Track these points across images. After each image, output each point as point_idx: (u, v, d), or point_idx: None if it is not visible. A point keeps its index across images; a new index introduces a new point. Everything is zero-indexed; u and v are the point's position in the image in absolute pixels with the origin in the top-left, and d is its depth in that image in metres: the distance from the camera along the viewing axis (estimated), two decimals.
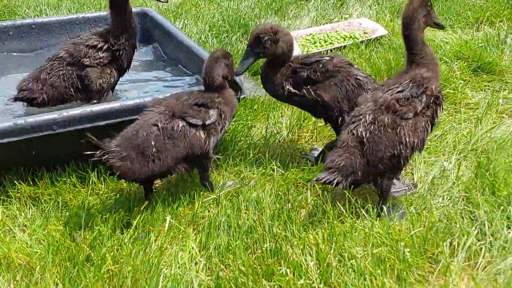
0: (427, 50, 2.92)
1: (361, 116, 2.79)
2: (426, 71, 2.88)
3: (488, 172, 3.07)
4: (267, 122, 3.80)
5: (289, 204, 2.86)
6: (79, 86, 3.61)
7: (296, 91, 3.19)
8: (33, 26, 4.62)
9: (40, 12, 6.14)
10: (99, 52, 3.60)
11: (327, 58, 3.18)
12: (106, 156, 2.68)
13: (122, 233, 2.80)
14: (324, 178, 2.64)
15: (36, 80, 3.57)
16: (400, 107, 2.77)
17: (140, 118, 2.89)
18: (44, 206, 3.01)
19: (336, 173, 2.66)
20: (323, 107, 3.18)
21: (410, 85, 2.82)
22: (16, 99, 3.57)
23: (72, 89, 3.60)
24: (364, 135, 2.72)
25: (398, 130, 2.73)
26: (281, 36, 3.16)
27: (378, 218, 2.81)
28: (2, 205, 3.04)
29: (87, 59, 3.57)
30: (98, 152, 2.67)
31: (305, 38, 5.18)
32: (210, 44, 5.01)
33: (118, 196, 3.07)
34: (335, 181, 2.64)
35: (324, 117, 3.27)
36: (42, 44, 4.64)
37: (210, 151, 2.96)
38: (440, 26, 3.03)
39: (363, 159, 2.71)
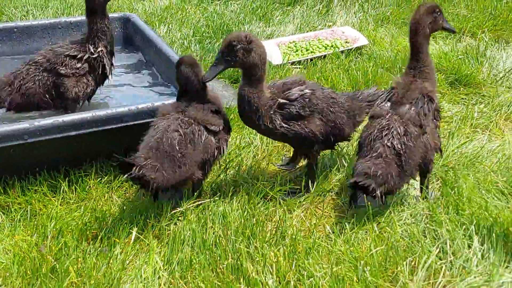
0: (429, 59, 3.14)
1: (393, 129, 2.95)
2: (429, 84, 3.13)
3: (453, 190, 3.10)
4: (242, 132, 3.82)
5: (254, 219, 2.89)
6: (54, 94, 3.62)
7: (288, 127, 3.08)
8: (15, 29, 4.64)
9: (27, 12, 6.15)
10: (77, 62, 3.61)
11: (308, 91, 3.10)
12: (142, 170, 2.69)
13: (89, 244, 2.83)
14: (362, 182, 2.78)
15: (8, 84, 3.59)
16: (422, 121, 3.02)
17: (157, 127, 2.93)
18: (14, 215, 3.04)
19: (371, 179, 2.80)
20: (309, 139, 3.14)
21: (425, 100, 3.07)
22: None
23: (46, 96, 3.62)
24: (400, 147, 2.91)
25: (424, 139, 3.00)
26: (255, 47, 3.00)
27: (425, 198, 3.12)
28: None
29: (64, 68, 3.59)
30: (134, 169, 2.67)
31: (287, 45, 5.20)
32: (193, 50, 5.04)
33: (87, 206, 3.09)
34: (371, 187, 2.78)
35: (305, 148, 3.23)
36: (24, 48, 4.66)
37: (219, 156, 3.09)
38: (450, 31, 3.26)
39: (399, 169, 2.89)
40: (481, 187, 3.19)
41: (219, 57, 3.03)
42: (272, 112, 3.05)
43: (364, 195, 2.91)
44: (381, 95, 3.22)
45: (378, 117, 3.06)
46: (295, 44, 5.20)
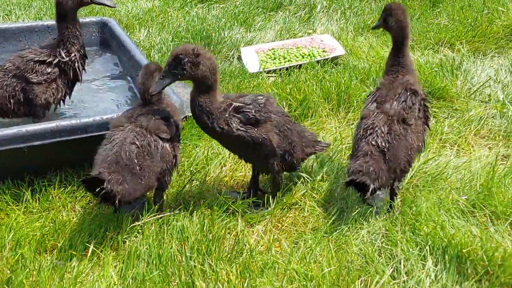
0: (408, 53, 3.37)
1: (377, 128, 3.07)
2: (410, 77, 3.31)
3: (412, 209, 3.12)
4: (210, 143, 3.83)
5: (211, 235, 2.90)
6: (22, 100, 3.62)
7: (245, 130, 3.07)
8: None
9: (10, 12, 6.15)
10: (47, 67, 3.61)
11: (261, 98, 3.13)
12: (109, 185, 2.69)
13: (48, 255, 2.85)
14: (358, 179, 2.89)
15: None
16: (406, 115, 3.14)
17: (113, 139, 2.92)
18: None
19: (366, 176, 2.91)
20: (265, 147, 3.13)
21: (408, 94, 3.20)
22: None
23: (16, 103, 3.62)
24: (384, 145, 3.02)
25: (407, 137, 3.10)
26: (203, 60, 2.95)
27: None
28: None
29: (34, 75, 3.59)
30: (105, 184, 2.67)
31: (266, 53, 5.21)
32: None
33: (48, 216, 3.10)
34: (367, 183, 2.90)
35: (262, 161, 3.21)
36: (0, 50, 4.66)
37: (177, 164, 3.12)
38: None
39: (386, 166, 3.00)
40: (442, 206, 3.21)
41: (166, 70, 2.98)
42: (227, 115, 3.05)
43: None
44: (368, 97, 3.33)
45: (365, 117, 3.19)
46: (274, 51, 5.21)
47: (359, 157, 3.00)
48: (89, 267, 2.79)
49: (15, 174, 3.31)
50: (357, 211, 3.14)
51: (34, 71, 3.58)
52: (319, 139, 3.50)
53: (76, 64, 3.66)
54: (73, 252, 2.83)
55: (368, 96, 3.36)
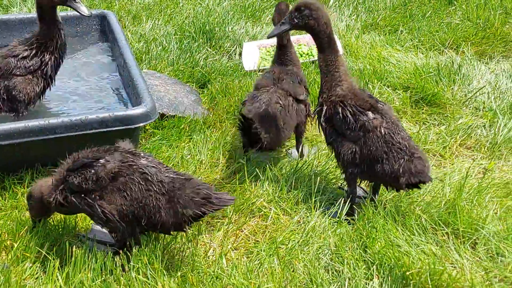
0: (292, 49, 3.97)
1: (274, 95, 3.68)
2: (296, 68, 3.92)
3: (369, 224, 3.09)
4: (189, 144, 3.86)
5: (159, 244, 2.93)
6: (5, 98, 3.72)
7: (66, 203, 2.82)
8: None
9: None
10: (26, 61, 3.69)
11: (102, 161, 2.74)
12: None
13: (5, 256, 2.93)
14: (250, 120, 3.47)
15: None
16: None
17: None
18: None
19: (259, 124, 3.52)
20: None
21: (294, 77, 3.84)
22: None
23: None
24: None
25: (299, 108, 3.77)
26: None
27: None
28: None
29: (18, 70, 3.68)
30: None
31: (267, 49, 5.18)
32: (170, 50, 5.06)
33: (11, 215, 3.18)
34: (256, 127, 3.48)
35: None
36: (2, 42, 4.76)
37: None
38: None
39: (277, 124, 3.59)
40: (405, 221, 3.17)
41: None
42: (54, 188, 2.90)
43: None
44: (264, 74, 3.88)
45: (262, 86, 3.70)
46: (275, 49, 5.17)
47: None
48: (40, 270, 2.85)
49: None
50: (313, 222, 3.12)
51: (13, 67, 3.67)
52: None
53: (50, 63, 3.72)
54: (26, 254, 2.90)
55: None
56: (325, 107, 3.23)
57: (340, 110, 3.16)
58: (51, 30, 3.70)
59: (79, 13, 3.67)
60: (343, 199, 3.28)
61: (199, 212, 2.67)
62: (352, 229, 3.13)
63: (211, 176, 3.62)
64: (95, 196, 2.72)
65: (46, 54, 3.72)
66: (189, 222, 2.70)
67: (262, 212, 3.33)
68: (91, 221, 3.09)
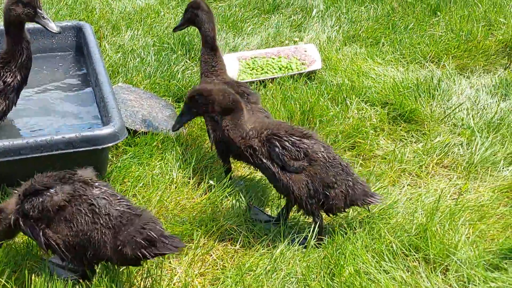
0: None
1: None
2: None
3: (338, 251, 3.03)
4: (161, 162, 3.79)
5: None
6: None
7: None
8: None
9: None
10: None
11: (51, 191, 2.68)
12: None
13: None
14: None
15: None
16: None
17: None
18: None
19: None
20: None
21: None
22: None
23: None
24: None
25: None
26: None
27: None
28: None
29: None
30: None
31: (246, 61, 5.12)
32: (147, 62, 4.99)
33: None
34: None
35: None
36: None
37: None
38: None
39: None
40: (375, 246, 3.12)
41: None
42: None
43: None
44: None
45: None
46: (254, 61, 5.12)
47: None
48: None
49: None
50: (280, 248, 3.07)
51: None
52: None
53: (13, 83, 3.64)
54: None
55: None
56: (256, 146, 3.12)
57: (277, 143, 3.07)
58: (16, 47, 3.62)
59: (48, 30, 3.59)
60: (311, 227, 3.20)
61: (137, 254, 2.57)
62: (321, 256, 3.07)
63: (181, 196, 3.56)
64: (41, 224, 2.67)
65: (9, 75, 3.63)
66: (132, 261, 2.61)
67: (232, 235, 3.27)
68: None
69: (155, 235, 2.58)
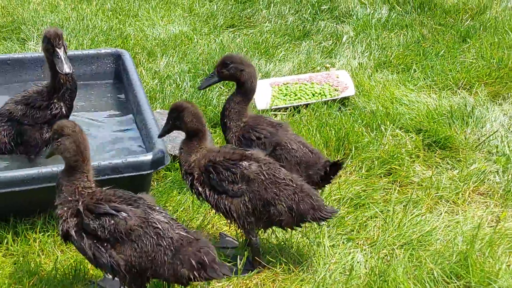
0: None
1: None
2: None
3: (381, 278, 3.07)
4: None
5: None
6: (18, 141, 3.79)
7: None
8: (9, 61, 4.80)
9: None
10: (37, 112, 3.75)
11: (124, 215, 2.79)
12: None
13: None
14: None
15: None
16: None
17: None
18: None
19: None
20: None
21: None
22: None
23: (11, 144, 3.79)
24: None
25: None
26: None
27: None
28: None
29: (26, 119, 3.75)
30: None
31: (279, 87, 5.20)
32: (183, 88, 5.09)
33: (24, 261, 3.20)
34: None
35: None
36: (17, 79, 4.82)
37: None
38: None
39: None
40: (417, 274, 3.15)
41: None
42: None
43: None
44: None
45: None
46: (287, 87, 5.20)
47: None
48: None
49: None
50: (322, 274, 3.11)
51: (26, 115, 3.74)
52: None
53: (59, 113, 3.76)
54: None
55: None
56: (195, 174, 3.20)
57: (212, 170, 3.15)
58: (57, 81, 3.74)
59: (57, 70, 3.64)
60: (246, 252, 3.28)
61: (190, 275, 2.70)
62: (363, 282, 3.11)
63: (217, 224, 3.62)
64: (107, 244, 2.75)
65: (54, 106, 3.76)
66: (184, 280, 2.73)
67: (271, 261, 3.33)
68: None
69: (208, 260, 2.69)
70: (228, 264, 2.94)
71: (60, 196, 2.88)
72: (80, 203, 2.82)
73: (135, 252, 2.73)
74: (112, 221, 2.74)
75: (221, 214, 3.23)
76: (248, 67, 3.55)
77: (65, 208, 2.85)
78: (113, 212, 2.75)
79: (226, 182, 3.12)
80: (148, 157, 3.45)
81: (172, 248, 2.72)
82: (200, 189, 3.18)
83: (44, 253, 3.32)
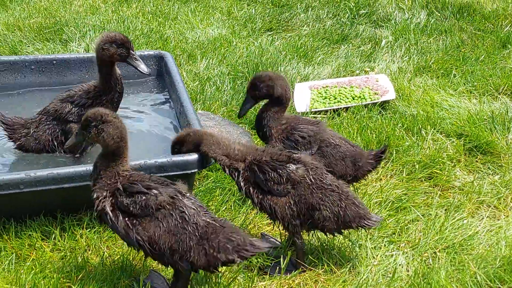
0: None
1: None
2: None
3: (425, 280, 3.08)
4: None
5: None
6: (63, 140, 3.86)
7: None
8: (54, 61, 4.91)
9: (85, 33, 6.42)
10: (81, 109, 3.83)
11: (155, 192, 2.91)
12: None
13: None
14: None
15: (24, 127, 3.87)
16: None
17: None
18: (2, 260, 3.25)
19: None
20: None
21: None
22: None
23: (55, 143, 3.87)
24: None
25: None
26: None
27: None
28: None
29: (71, 116, 3.82)
30: None
31: (318, 90, 5.22)
32: (223, 90, 5.14)
33: (71, 256, 3.27)
34: None
35: None
36: (62, 79, 4.92)
37: None
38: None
39: None
40: (460, 277, 3.15)
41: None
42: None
43: None
44: None
45: None
46: (326, 90, 5.22)
47: None
48: None
49: (47, 211, 3.50)
50: (365, 276, 3.13)
51: (70, 113, 3.82)
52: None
53: None
54: None
55: None
56: (241, 170, 3.24)
57: (257, 169, 3.19)
58: (108, 84, 3.82)
59: (139, 71, 3.80)
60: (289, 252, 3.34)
61: (232, 257, 2.80)
62: (406, 284, 3.12)
63: (259, 223, 3.66)
64: (136, 221, 2.86)
65: (104, 100, 3.84)
66: (218, 265, 2.83)
67: (312, 260, 3.35)
68: (150, 266, 3.17)
69: (241, 240, 2.85)
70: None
71: (98, 181, 2.98)
72: (118, 183, 2.94)
73: (158, 230, 2.82)
74: (144, 197, 2.86)
75: (265, 214, 3.26)
76: (278, 80, 3.62)
77: (103, 191, 2.95)
78: (145, 190, 2.87)
79: (272, 182, 3.15)
80: (194, 156, 3.49)
81: (196, 233, 2.82)
82: (243, 185, 3.23)
83: (90, 248, 3.38)
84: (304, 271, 3.26)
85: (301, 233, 3.24)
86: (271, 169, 3.16)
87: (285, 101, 3.65)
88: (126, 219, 2.87)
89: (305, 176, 3.16)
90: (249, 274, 3.20)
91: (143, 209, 2.84)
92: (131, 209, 2.85)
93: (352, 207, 3.17)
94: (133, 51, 3.76)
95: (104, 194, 2.94)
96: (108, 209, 2.90)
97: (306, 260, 3.29)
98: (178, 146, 3.49)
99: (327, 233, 3.26)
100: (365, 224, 3.18)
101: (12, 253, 3.31)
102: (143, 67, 3.80)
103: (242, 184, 3.23)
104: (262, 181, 3.17)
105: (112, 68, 3.81)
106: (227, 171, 3.29)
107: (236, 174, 3.25)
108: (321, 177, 3.20)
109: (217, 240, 2.81)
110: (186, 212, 2.86)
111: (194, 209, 2.89)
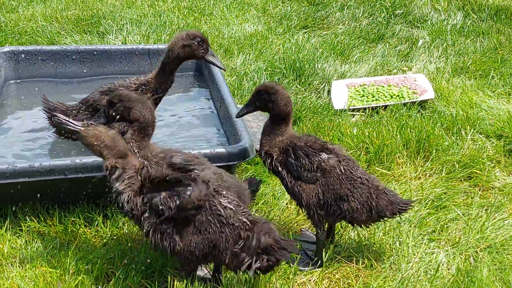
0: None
1: None
2: None
3: (469, 278, 3.06)
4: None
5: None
6: None
7: None
8: (95, 52, 4.96)
9: (122, 26, 6.48)
10: None
11: (188, 193, 2.79)
12: None
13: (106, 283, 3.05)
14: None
15: (64, 114, 3.90)
16: None
17: None
18: (47, 244, 3.30)
19: None
20: None
21: None
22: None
23: None
24: None
25: None
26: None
27: None
28: (14, 236, 3.36)
29: None
30: None
31: (356, 88, 5.22)
32: None
33: (112, 243, 3.30)
34: None
35: None
36: (102, 70, 4.97)
37: None
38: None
39: None
40: (503, 276, 3.14)
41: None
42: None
43: None
44: None
45: None
46: (364, 88, 5.21)
47: None
48: None
49: (90, 198, 3.54)
50: (406, 272, 3.13)
51: None
52: None
53: None
54: (129, 283, 3.00)
55: None
56: (274, 154, 3.24)
57: (291, 153, 3.18)
58: (167, 78, 3.81)
59: (218, 67, 3.87)
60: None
61: (266, 263, 2.73)
62: (448, 281, 3.11)
63: (296, 218, 3.66)
64: (169, 227, 2.80)
65: (153, 97, 3.85)
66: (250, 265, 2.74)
67: (352, 257, 3.35)
68: None
69: (277, 238, 2.77)
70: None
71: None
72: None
73: (196, 238, 2.78)
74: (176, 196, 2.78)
75: (293, 200, 3.28)
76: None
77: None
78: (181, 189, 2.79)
79: (302, 168, 3.16)
80: (237, 148, 3.51)
81: (233, 235, 2.76)
82: (280, 169, 3.23)
83: (132, 237, 3.41)
84: (321, 266, 3.24)
85: (324, 225, 3.24)
86: (304, 154, 3.16)
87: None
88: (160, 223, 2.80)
89: (336, 166, 3.16)
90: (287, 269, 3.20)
91: (177, 211, 2.76)
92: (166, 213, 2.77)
93: (383, 196, 3.16)
94: (210, 48, 3.78)
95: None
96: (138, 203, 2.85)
97: (339, 255, 3.30)
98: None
99: (354, 225, 3.26)
100: (398, 209, 3.15)
101: (56, 238, 3.35)
102: (220, 64, 3.84)
103: (279, 169, 3.23)
104: (293, 166, 3.18)
105: (177, 68, 3.82)
106: (263, 159, 3.31)
107: (270, 160, 3.26)
108: (352, 169, 3.19)
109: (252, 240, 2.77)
110: (223, 214, 2.81)
111: (232, 208, 2.85)
